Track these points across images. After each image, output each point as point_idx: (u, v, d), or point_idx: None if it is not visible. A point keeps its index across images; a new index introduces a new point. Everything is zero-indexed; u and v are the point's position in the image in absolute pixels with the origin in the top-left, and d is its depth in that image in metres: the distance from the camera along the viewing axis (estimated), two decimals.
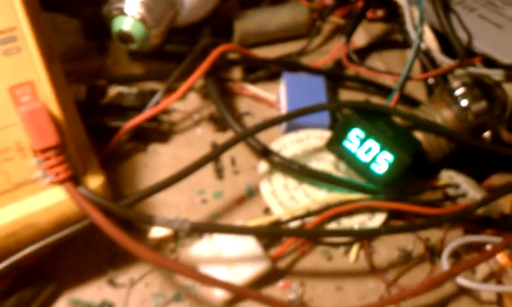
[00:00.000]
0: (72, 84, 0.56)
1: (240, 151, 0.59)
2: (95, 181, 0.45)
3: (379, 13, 0.78)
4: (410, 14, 0.67)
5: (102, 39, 0.65)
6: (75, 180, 0.43)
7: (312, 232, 0.52)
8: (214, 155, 0.52)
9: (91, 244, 0.50)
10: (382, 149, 0.53)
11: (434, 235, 0.57)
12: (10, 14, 0.41)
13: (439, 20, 0.66)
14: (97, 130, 0.54)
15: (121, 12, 0.56)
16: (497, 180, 0.62)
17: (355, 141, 0.55)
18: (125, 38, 0.57)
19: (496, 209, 0.57)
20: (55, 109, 0.42)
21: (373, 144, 0.54)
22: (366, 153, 0.54)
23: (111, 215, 0.44)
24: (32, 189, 0.43)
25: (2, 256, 0.43)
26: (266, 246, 0.51)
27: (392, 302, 0.49)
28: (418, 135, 0.57)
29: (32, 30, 0.42)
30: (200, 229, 0.46)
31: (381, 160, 0.54)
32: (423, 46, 0.67)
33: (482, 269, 0.55)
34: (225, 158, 0.58)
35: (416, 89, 0.69)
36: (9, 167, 0.42)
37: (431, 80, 0.68)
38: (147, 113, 0.55)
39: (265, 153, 0.55)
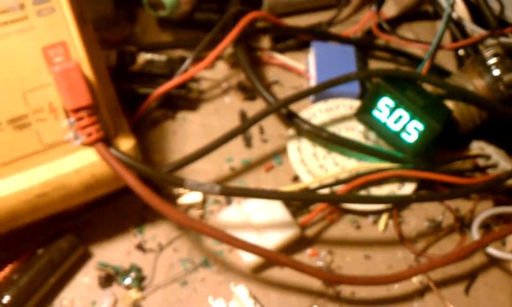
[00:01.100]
0: (102, 51, 0.56)
1: (269, 120, 0.58)
2: (126, 144, 0.45)
3: None
4: None
5: (131, 7, 0.65)
6: (106, 141, 0.43)
7: (342, 197, 0.51)
8: (246, 126, 0.51)
9: (121, 210, 0.50)
10: (412, 118, 0.53)
11: (463, 206, 0.56)
12: None
13: None
14: (127, 96, 0.54)
15: None
16: None
17: (385, 109, 0.54)
18: (156, 4, 0.57)
19: None
20: (87, 70, 0.43)
21: (403, 112, 0.53)
22: (396, 122, 0.54)
23: (142, 179, 0.44)
24: (64, 150, 0.43)
25: (33, 217, 0.43)
26: (294, 214, 0.51)
27: (421, 271, 0.49)
28: (449, 104, 0.56)
29: None
30: (230, 193, 0.46)
31: (411, 129, 0.53)
32: (454, 15, 0.65)
33: None
34: (254, 127, 0.58)
35: (446, 61, 0.68)
36: (42, 127, 0.42)
37: (461, 52, 0.67)
38: (176, 80, 0.55)
39: (294, 120, 0.55)
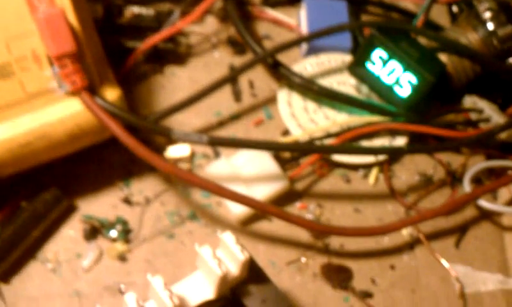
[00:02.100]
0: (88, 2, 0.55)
1: (259, 75, 0.58)
2: (111, 94, 0.44)
3: None
4: None
5: None
6: (91, 90, 0.43)
7: (332, 148, 0.51)
8: (233, 75, 0.51)
9: (107, 163, 0.50)
10: (405, 70, 0.52)
11: (455, 160, 0.56)
12: None
13: None
14: (114, 49, 0.53)
15: None
16: None
17: (378, 62, 0.53)
18: None
19: None
20: (71, 17, 0.42)
21: (396, 65, 0.52)
22: (389, 74, 0.53)
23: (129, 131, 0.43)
24: (48, 100, 0.42)
25: (17, 167, 0.43)
26: (283, 168, 0.50)
27: (411, 222, 0.48)
28: (442, 58, 0.55)
29: None
30: (218, 143, 0.45)
31: (404, 82, 0.53)
32: None
33: (504, 194, 0.54)
34: (243, 81, 0.57)
35: (440, 16, 0.67)
36: (25, 76, 0.41)
37: (455, 8, 0.66)
38: (164, 33, 0.54)
39: (284, 73, 0.54)
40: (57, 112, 0.42)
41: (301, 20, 0.62)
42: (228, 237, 0.36)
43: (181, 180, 0.47)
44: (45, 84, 0.42)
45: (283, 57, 0.56)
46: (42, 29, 0.40)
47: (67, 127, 0.43)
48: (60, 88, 0.42)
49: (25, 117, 0.42)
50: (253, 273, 0.38)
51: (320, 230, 0.47)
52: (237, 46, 0.59)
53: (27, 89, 0.41)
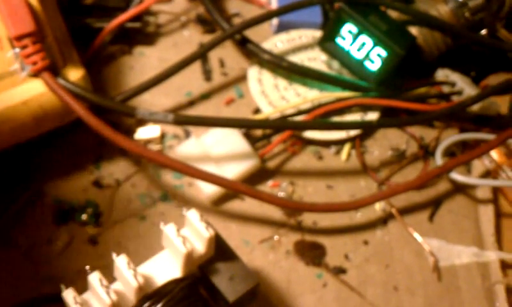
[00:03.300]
0: None
1: (230, 53, 0.57)
2: (75, 74, 0.44)
3: None
4: None
5: None
6: (53, 71, 0.42)
7: (303, 123, 0.50)
8: (201, 52, 0.50)
9: (77, 146, 0.49)
10: (375, 44, 0.52)
11: (428, 134, 0.55)
12: None
13: None
14: (81, 30, 0.52)
15: None
16: (494, 80, 0.60)
17: (348, 36, 0.53)
18: None
19: (492, 108, 0.56)
20: None
21: (366, 39, 0.52)
22: (359, 49, 0.53)
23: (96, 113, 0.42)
24: (11, 82, 0.42)
25: None
26: (254, 147, 0.50)
27: (383, 197, 0.48)
28: (413, 30, 0.55)
29: None
30: (184, 121, 0.44)
31: (375, 56, 0.52)
32: None
33: (478, 168, 0.54)
34: (214, 60, 0.56)
35: None
36: None
37: None
38: (130, 12, 0.53)
39: (254, 50, 0.53)
40: (21, 94, 0.42)
41: None
42: (192, 215, 0.36)
43: (150, 161, 0.46)
44: (7, 66, 0.41)
45: (253, 35, 0.55)
46: (1, 11, 0.39)
47: (31, 109, 0.42)
48: (22, 70, 0.41)
49: None
50: (220, 250, 0.37)
51: (292, 207, 0.47)
52: (206, 24, 0.58)
53: None
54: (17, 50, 0.41)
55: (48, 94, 0.42)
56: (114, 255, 0.34)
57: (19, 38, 0.40)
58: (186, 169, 0.43)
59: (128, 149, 0.42)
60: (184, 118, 0.44)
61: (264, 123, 0.50)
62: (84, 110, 0.41)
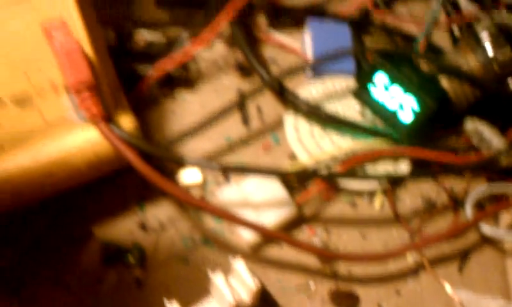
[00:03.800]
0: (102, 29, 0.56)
1: (267, 100, 0.59)
2: (127, 122, 0.45)
3: None
4: None
5: None
6: (107, 118, 0.44)
7: (337, 174, 0.52)
8: (241, 101, 0.52)
9: (122, 188, 0.51)
10: (408, 95, 0.54)
11: (457, 185, 0.57)
12: None
13: None
14: (127, 76, 0.54)
15: None
16: None
17: (380, 87, 0.55)
18: None
19: None
20: (87, 47, 0.43)
21: (398, 90, 0.54)
22: (392, 100, 0.55)
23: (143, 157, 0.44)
24: (67, 128, 0.43)
25: (38, 195, 0.44)
26: (292, 193, 0.52)
27: (414, 247, 0.50)
28: (443, 83, 0.57)
29: None
30: (228, 169, 0.46)
31: (407, 108, 0.54)
32: None
33: (505, 218, 0.56)
34: (252, 107, 0.58)
35: (441, 40, 0.68)
36: (44, 105, 0.42)
37: (456, 32, 0.67)
38: (175, 60, 0.55)
39: (290, 99, 0.55)
40: (76, 141, 0.44)
41: (305, 43, 0.63)
42: (240, 265, 0.38)
43: (196, 208, 0.48)
44: (63, 113, 0.43)
45: (289, 82, 0.57)
46: (59, 60, 0.41)
47: (84, 155, 0.44)
48: (78, 116, 0.43)
49: (44, 145, 0.43)
50: (264, 302, 0.39)
51: (328, 257, 0.48)
52: (244, 70, 0.60)
53: (46, 117, 0.43)
54: (74, 97, 0.42)
55: (103, 142, 0.43)
56: (165, 300, 0.35)
57: (76, 86, 0.42)
58: (227, 216, 0.45)
59: (176, 196, 0.44)
60: (227, 167, 0.46)
61: (302, 173, 0.52)
62: (136, 158, 0.43)
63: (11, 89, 0.41)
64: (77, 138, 0.44)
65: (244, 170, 0.48)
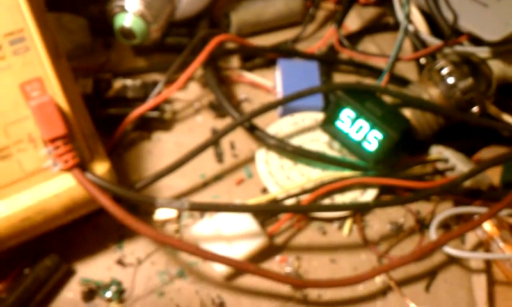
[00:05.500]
0: (79, 79, 0.60)
1: (240, 136, 0.62)
2: (101, 168, 0.49)
3: None
4: None
5: (107, 35, 0.68)
6: (82, 166, 0.47)
7: (305, 207, 0.55)
8: (213, 140, 0.55)
9: (101, 227, 0.54)
10: (372, 127, 0.57)
11: (424, 208, 0.60)
12: (18, 17, 0.44)
13: (426, 2, 0.69)
14: (104, 121, 0.58)
15: (123, 9, 0.60)
16: (486, 153, 0.64)
17: (346, 120, 0.58)
18: (127, 33, 0.61)
19: (485, 181, 0.60)
20: (62, 101, 0.46)
21: (363, 123, 0.57)
22: (357, 131, 0.58)
23: (118, 200, 0.47)
24: (44, 177, 0.47)
25: (18, 240, 0.47)
26: (263, 223, 0.55)
27: (382, 271, 0.52)
28: (407, 112, 0.60)
29: (39, 30, 0.46)
30: (198, 208, 0.49)
31: (372, 138, 0.57)
32: (412, 28, 0.69)
33: (471, 239, 0.58)
34: (225, 143, 0.62)
35: (408, 70, 0.71)
36: (22, 157, 0.45)
37: (423, 61, 0.70)
38: (150, 103, 0.58)
39: (260, 135, 0.59)
40: (53, 188, 0.47)
41: (276, 81, 0.66)
42: None
43: (167, 246, 0.51)
44: (41, 163, 0.46)
45: (260, 119, 0.60)
46: (36, 115, 0.44)
47: (62, 201, 0.47)
48: (54, 166, 0.46)
49: (23, 194, 0.46)
50: None
51: (297, 285, 0.51)
52: (218, 110, 0.64)
53: (24, 168, 0.46)
54: (50, 149, 0.46)
55: (78, 187, 0.47)
56: None
57: (52, 140, 0.45)
58: (197, 252, 0.47)
59: (148, 236, 0.47)
60: (198, 205, 0.49)
61: (271, 208, 0.55)
62: (109, 202, 0.46)
63: None
64: (54, 185, 0.47)
65: (214, 208, 0.51)
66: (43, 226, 0.48)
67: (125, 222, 0.46)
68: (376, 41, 0.76)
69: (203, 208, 0.50)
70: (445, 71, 0.60)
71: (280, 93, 0.65)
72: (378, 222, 0.58)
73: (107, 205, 0.46)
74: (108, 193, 0.47)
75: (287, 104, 0.62)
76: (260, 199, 0.56)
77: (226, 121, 0.63)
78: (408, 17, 0.67)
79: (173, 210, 0.55)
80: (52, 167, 0.46)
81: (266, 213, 0.55)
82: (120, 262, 0.52)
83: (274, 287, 0.52)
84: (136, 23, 0.60)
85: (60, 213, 0.47)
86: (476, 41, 0.66)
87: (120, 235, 0.54)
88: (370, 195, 0.58)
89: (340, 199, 0.58)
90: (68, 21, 0.66)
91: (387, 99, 0.60)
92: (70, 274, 0.51)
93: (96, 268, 0.52)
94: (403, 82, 0.69)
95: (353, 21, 0.77)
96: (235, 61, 0.69)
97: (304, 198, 0.56)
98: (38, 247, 0.50)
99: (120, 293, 0.50)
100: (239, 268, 0.50)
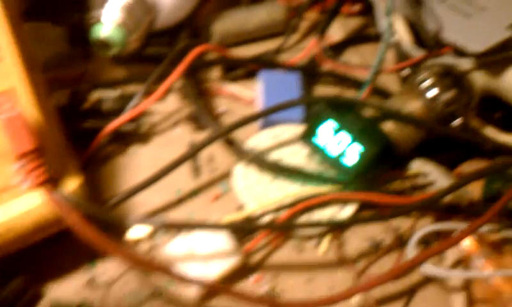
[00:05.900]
0: (56, 90, 0.59)
1: (219, 150, 0.61)
2: (73, 183, 0.48)
3: (356, 7, 0.79)
4: (381, 7, 0.69)
5: (86, 45, 0.67)
6: (52, 182, 0.46)
7: (281, 225, 0.54)
8: (190, 154, 0.55)
9: (73, 246, 0.52)
10: (352, 141, 0.56)
11: (404, 224, 0.59)
12: None
13: (410, 12, 0.68)
14: (78, 134, 0.57)
15: (100, 19, 0.59)
16: (468, 167, 0.63)
17: (326, 133, 0.57)
18: (104, 44, 0.60)
19: (465, 196, 0.59)
20: (35, 115, 0.45)
21: (343, 136, 0.56)
22: (338, 144, 0.57)
23: (89, 217, 0.46)
24: (14, 194, 0.46)
25: None
26: (240, 241, 0.54)
27: (358, 291, 0.51)
28: (388, 126, 0.59)
29: (14, 41, 0.45)
30: (172, 226, 0.48)
31: (351, 152, 0.56)
32: (394, 38, 0.68)
33: (450, 256, 0.57)
34: (204, 156, 0.61)
35: (390, 82, 0.71)
36: None
37: (405, 73, 0.70)
38: (126, 116, 0.57)
39: (238, 148, 0.58)
40: (23, 205, 0.46)
41: (257, 93, 0.65)
42: None
43: (139, 267, 0.50)
44: (10, 180, 0.45)
45: (240, 131, 0.59)
46: (4, 130, 0.44)
47: (32, 218, 0.46)
48: (24, 183, 0.45)
49: None
50: None
51: (270, 306, 0.50)
52: (197, 122, 0.63)
53: None
54: (19, 165, 0.45)
55: (48, 204, 0.46)
56: None
57: (21, 155, 0.44)
58: (167, 272, 0.47)
59: (118, 256, 0.46)
60: (171, 224, 0.48)
61: (245, 226, 0.54)
62: (77, 220, 0.45)
63: None
64: (24, 202, 0.46)
65: (187, 226, 0.50)
66: (12, 245, 0.47)
67: (96, 243, 0.45)
68: (359, 52, 0.75)
69: (177, 227, 0.49)
70: (427, 83, 0.60)
71: (261, 105, 0.64)
72: (357, 239, 0.57)
73: (76, 224, 0.45)
74: (78, 210, 0.46)
75: (268, 116, 0.61)
76: (237, 215, 0.55)
77: (206, 133, 0.62)
78: (390, 28, 0.66)
79: (146, 229, 0.53)
80: (21, 184, 0.45)
81: (241, 230, 0.54)
82: (91, 282, 0.51)
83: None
84: (113, 33, 0.59)
85: (30, 232, 0.47)
86: (461, 52, 0.66)
87: (92, 253, 0.52)
88: (349, 210, 0.57)
89: (319, 214, 0.57)
90: (46, 30, 0.65)
91: (369, 112, 0.59)
92: (39, 295, 0.50)
93: (67, 288, 0.51)
94: (385, 94, 0.68)
95: (336, 32, 0.77)
96: (216, 72, 0.68)
97: (282, 214, 0.55)
98: (6, 267, 0.49)
99: None
100: (210, 289, 0.49)
